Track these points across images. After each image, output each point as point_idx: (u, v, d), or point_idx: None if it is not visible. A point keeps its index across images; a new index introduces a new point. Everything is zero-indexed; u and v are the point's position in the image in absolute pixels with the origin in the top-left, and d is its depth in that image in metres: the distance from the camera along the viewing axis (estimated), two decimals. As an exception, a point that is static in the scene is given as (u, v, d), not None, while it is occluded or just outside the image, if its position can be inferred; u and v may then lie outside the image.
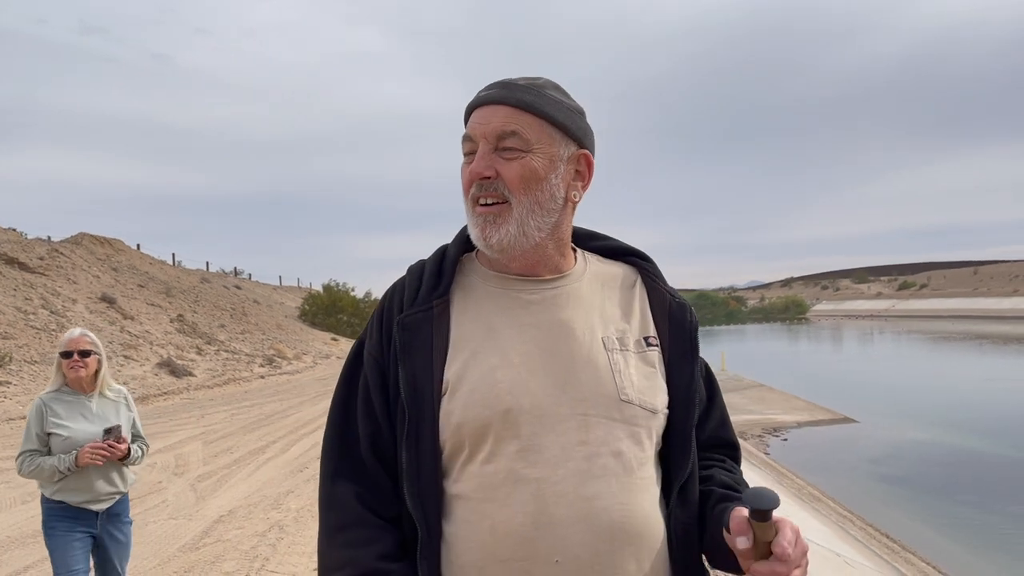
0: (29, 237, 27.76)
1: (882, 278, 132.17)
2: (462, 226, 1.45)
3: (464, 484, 1.25)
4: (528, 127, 1.31)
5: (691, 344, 1.43)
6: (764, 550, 1.13)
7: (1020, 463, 13.30)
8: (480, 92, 1.37)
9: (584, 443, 1.24)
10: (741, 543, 1.14)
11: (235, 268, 48.39)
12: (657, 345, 1.38)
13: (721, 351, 33.61)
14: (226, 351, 24.08)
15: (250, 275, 50.20)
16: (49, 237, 29.09)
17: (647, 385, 1.32)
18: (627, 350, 1.34)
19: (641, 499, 1.27)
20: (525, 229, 1.32)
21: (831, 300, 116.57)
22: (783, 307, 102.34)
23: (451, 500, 1.26)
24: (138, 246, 34.79)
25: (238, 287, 39.89)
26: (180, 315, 25.57)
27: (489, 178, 1.31)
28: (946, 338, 46.62)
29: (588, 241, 1.50)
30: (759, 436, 16.24)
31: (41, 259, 23.50)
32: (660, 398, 1.33)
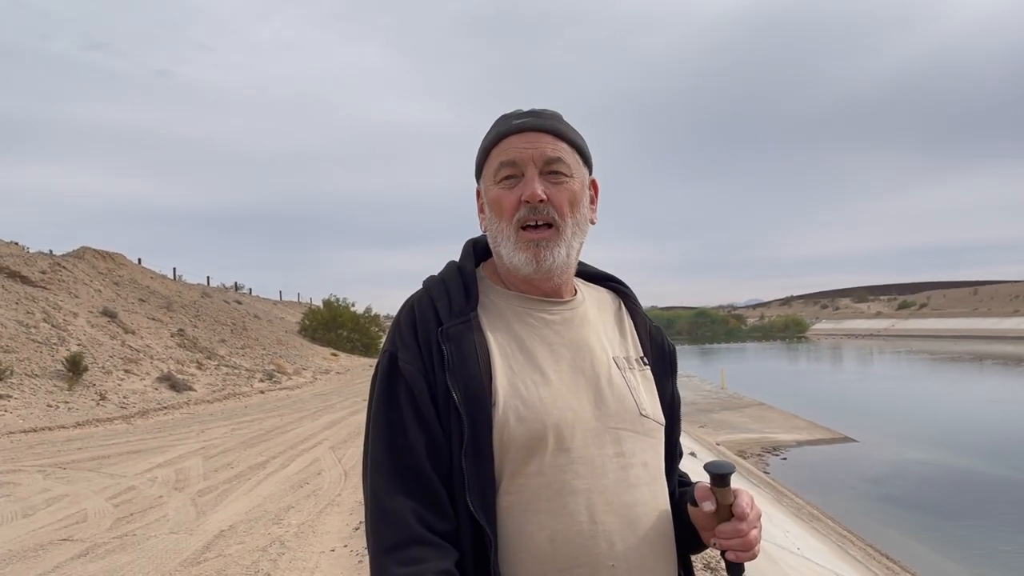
0: (31, 251, 27.83)
1: (881, 297, 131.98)
2: (464, 242, 1.52)
3: (516, 495, 1.28)
4: (567, 154, 1.41)
5: (671, 364, 1.56)
6: (725, 513, 1.29)
7: (1018, 484, 13.28)
8: (511, 121, 1.41)
9: (620, 455, 1.34)
10: (707, 507, 1.29)
11: (236, 283, 48.53)
12: (648, 365, 1.50)
13: (721, 369, 33.61)
14: (226, 366, 24.09)
15: (250, 290, 50.31)
16: (51, 251, 29.18)
17: (653, 401, 1.45)
18: (634, 369, 1.46)
19: (666, 504, 1.41)
20: (569, 251, 1.41)
21: (831, 319, 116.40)
22: (783, 325, 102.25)
23: (503, 511, 1.28)
24: (139, 260, 34.89)
25: (239, 302, 39.93)
26: (181, 329, 25.61)
27: (543, 201, 1.35)
28: (946, 358, 46.57)
29: None
30: (759, 455, 16.22)
31: (43, 273, 23.57)
32: (662, 413, 1.46)
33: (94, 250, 30.35)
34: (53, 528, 7.00)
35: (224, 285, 46.14)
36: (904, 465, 15.22)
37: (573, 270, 1.47)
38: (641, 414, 1.39)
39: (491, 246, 1.45)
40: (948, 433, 18.37)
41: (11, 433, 12.77)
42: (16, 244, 28.92)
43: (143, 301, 27.17)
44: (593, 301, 1.52)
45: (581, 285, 1.54)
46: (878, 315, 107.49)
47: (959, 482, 13.76)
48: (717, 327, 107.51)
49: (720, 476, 1.27)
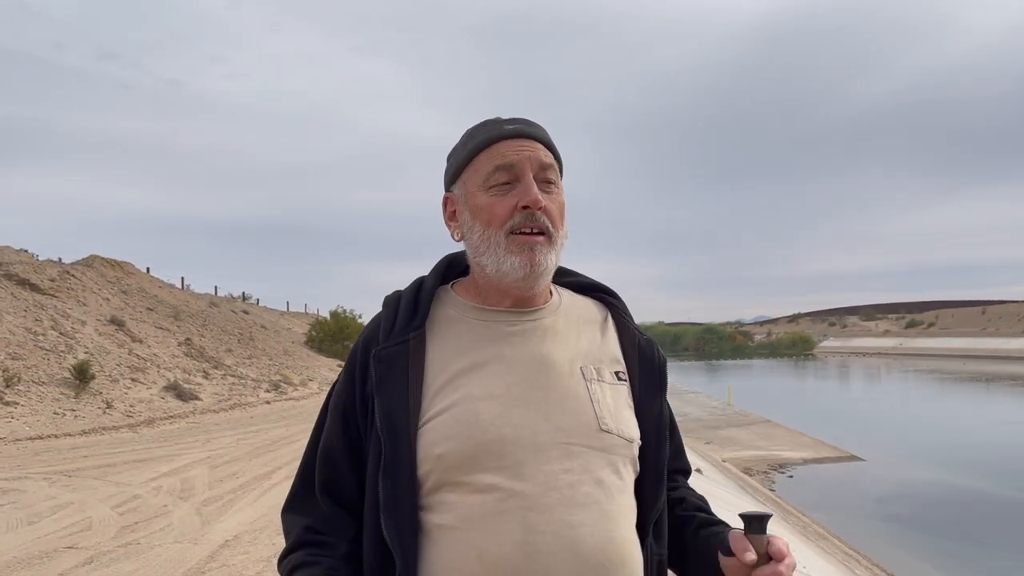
0: (41, 258, 27.97)
1: (889, 316, 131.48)
2: (441, 257, 1.49)
3: (448, 515, 1.24)
4: (554, 163, 1.38)
5: (660, 379, 1.47)
6: (763, 559, 1.25)
7: (1028, 505, 13.18)
8: (502, 126, 1.37)
9: (567, 471, 1.26)
10: (749, 557, 1.22)
11: (243, 293, 48.60)
12: (627, 380, 1.41)
13: (728, 386, 33.53)
14: (233, 376, 24.13)
15: (258, 300, 50.38)
16: (60, 259, 29.32)
17: (621, 415, 1.35)
18: (603, 381, 1.37)
19: (621, 526, 1.30)
20: (556, 260, 1.37)
21: (838, 337, 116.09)
22: (790, 343, 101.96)
23: (433, 531, 1.24)
24: (148, 269, 35.02)
25: (246, 312, 40.02)
26: (188, 339, 25.67)
27: (541, 208, 1.32)
28: (954, 378, 46.33)
29: (560, 276, 1.51)
30: (765, 472, 16.16)
31: (52, 280, 23.66)
32: (635, 429, 1.36)
33: (103, 258, 30.48)
34: (58, 536, 7.02)
35: (231, 295, 46.25)
36: (911, 485, 15.14)
37: (550, 278, 1.42)
38: (601, 428, 1.30)
39: (471, 256, 1.39)
40: (956, 453, 18.27)
41: (17, 440, 12.81)
42: (26, 252, 29.10)
43: (151, 310, 27.25)
44: (570, 311, 1.46)
45: (566, 294, 1.49)
46: (886, 333, 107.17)
47: (967, 503, 13.67)
48: (724, 343, 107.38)
49: (758, 520, 1.25)
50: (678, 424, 1.57)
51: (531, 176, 1.32)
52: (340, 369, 1.49)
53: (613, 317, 1.50)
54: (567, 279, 1.53)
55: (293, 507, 1.39)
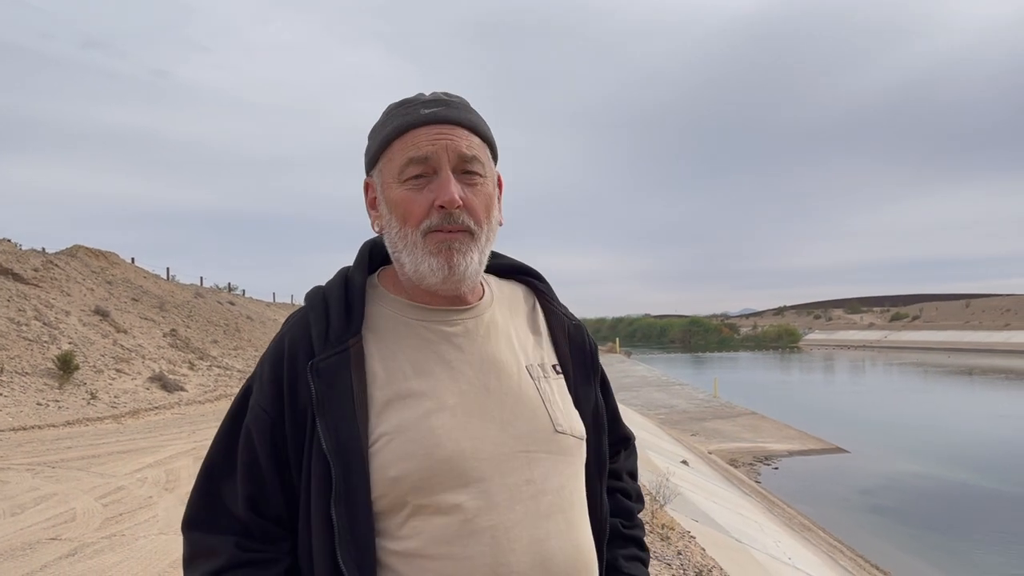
0: (24, 248, 27.72)
1: (874, 309, 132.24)
2: (362, 243, 1.36)
3: (411, 541, 1.14)
4: (481, 150, 1.25)
5: (593, 366, 1.39)
6: None
7: (1009, 497, 13.32)
8: (418, 110, 1.23)
9: (530, 482, 1.18)
10: None
11: (229, 284, 48.40)
12: (562, 372, 1.33)
13: (714, 378, 33.69)
14: (218, 367, 24.03)
15: (243, 291, 50.16)
16: (44, 249, 29.05)
17: (570, 411, 1.29)
18: (548, 377, 1.30)
19: (584, 533, 1.26)
20: (482, 259, 1.26)
21: (823, 329, 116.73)
22: (776, 335, 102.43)
23: (396, 560, 1.14)
24: (132, 260, 34.77)
25: (231, 303, 39.82)
26: (173, 330, 25.53)
27: (459, 207, 1.19)
28: (938, 371, 46.70)
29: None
30: (750, 464, 16.25)
31: (36, 270, 23.46)
32: (580, 423, 1.30)
33: (87, 248, 30.27)
34: (41, 527, 6.96)
35: (217, 286, 46.04)
36: (895, 476, 15.26)
37: (480, 276, 1.30)
38: (556, 431, 1.23)
39: (390, 252, 1.27)
40: (940, 446, 18.43)
41: (0, 431, 12.71)
42: (8, 241, 28.79)
43: (136, 300, 27.08)
44: (504, 300, 1.36)
45: (492, 282, 1.38)
46: (871, 326, 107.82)
47: (950, 494, 13.80)
48: (710, 336, 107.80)
49: None
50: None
51: (448, 170, 1.20)
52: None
53: (540, 303, 1.42)
54: (490, 262, 1.38)
55: (205, 523, 1.21)
